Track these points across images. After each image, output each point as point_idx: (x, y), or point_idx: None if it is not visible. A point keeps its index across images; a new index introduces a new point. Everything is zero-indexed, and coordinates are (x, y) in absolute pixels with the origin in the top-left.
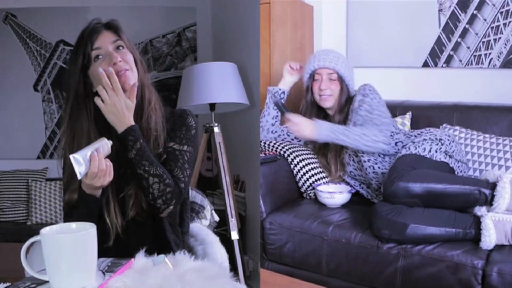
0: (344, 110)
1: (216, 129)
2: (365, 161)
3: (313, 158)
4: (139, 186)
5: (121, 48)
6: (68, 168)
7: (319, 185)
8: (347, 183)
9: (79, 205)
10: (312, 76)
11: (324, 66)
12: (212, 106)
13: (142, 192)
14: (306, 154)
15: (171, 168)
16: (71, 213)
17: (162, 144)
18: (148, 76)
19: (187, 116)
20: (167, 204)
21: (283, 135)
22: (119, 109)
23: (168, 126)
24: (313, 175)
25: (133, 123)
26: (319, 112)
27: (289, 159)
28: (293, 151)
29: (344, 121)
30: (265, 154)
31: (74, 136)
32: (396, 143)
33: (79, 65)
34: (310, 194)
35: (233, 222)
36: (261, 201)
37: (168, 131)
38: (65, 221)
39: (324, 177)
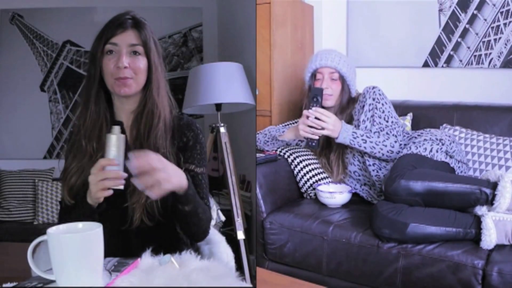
0: (346, 110)
1: (222, 129)
2: (369, 165)
3: (314, 159)
4: (181, 224)
5: (136, 53)
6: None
7: (319, 185)
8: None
9: (75, 207)
10: (313, 76)
11: (325, 65)
12: (218, 106)
13: (185, 227)
14: (306, 155)
15: (201, 196)
16: (69, 212)
17: (173, 163)
18: (163, 83)
19: (198, 132)
20: (206, 235)
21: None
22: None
23: (178, 141)
24: (313, 176)
25: (185, 180)
26: None
27: (289, 160)
28: (293, 152)
29: (347, 121)
30: (265, 154)
31: (92, 120)
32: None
33: (100, 50)
34: (310, 194)
35: (239, 222)
36: (261, 201)
37: (179, 146)
38: (60, 218)
39: (324, 178)
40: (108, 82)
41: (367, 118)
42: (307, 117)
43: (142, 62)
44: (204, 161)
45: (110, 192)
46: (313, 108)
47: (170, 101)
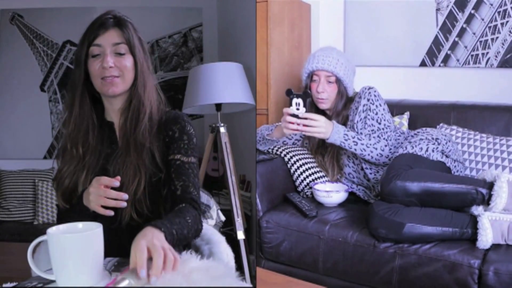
0: (342, 112)
1: (222, 129)
2: (366, 168)
3: (310, 158)
4: None
5: (122, 52)
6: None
7: (316, 184)
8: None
9: (73, 210)
10: (310, 76)
11: (322, 68)
12: (218, 106)
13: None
14: (302, 154)
15: (185, 184)
16: (67, 214)
17: (159, 158)
18: (150, 79)
19: (185, 124)
20: (198, 235)
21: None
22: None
23: (164, 134)
24: (310, 175)
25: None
26: (318, 112)
27: (286, 159)
28: (290, 151)
29: (342, 123)
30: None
31: (76, 123)
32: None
33: (84, 54)
34: (307, 193)
35: (239, 222)
36: (258, 200)
37: (166, 142)
38: (58, 221)
39: (321, 177)
40: (95, 84)
41: (360, 119)
42: (291, 115)
43: (128, 61)
44: (192, 151)
45: (111, 212)
46: (301, 115)
47: (159, 97)
